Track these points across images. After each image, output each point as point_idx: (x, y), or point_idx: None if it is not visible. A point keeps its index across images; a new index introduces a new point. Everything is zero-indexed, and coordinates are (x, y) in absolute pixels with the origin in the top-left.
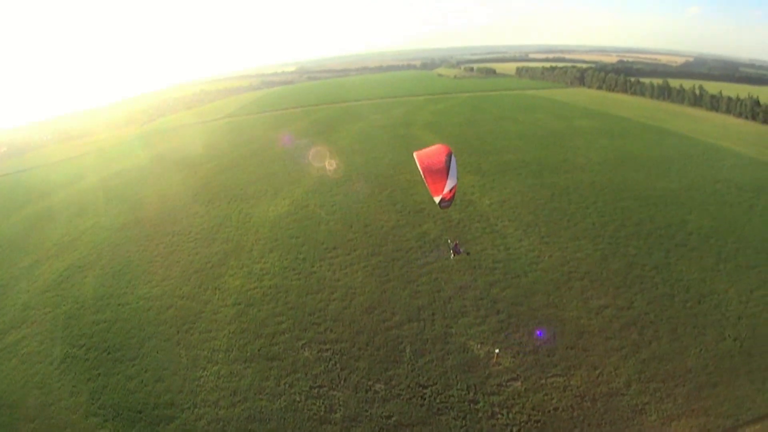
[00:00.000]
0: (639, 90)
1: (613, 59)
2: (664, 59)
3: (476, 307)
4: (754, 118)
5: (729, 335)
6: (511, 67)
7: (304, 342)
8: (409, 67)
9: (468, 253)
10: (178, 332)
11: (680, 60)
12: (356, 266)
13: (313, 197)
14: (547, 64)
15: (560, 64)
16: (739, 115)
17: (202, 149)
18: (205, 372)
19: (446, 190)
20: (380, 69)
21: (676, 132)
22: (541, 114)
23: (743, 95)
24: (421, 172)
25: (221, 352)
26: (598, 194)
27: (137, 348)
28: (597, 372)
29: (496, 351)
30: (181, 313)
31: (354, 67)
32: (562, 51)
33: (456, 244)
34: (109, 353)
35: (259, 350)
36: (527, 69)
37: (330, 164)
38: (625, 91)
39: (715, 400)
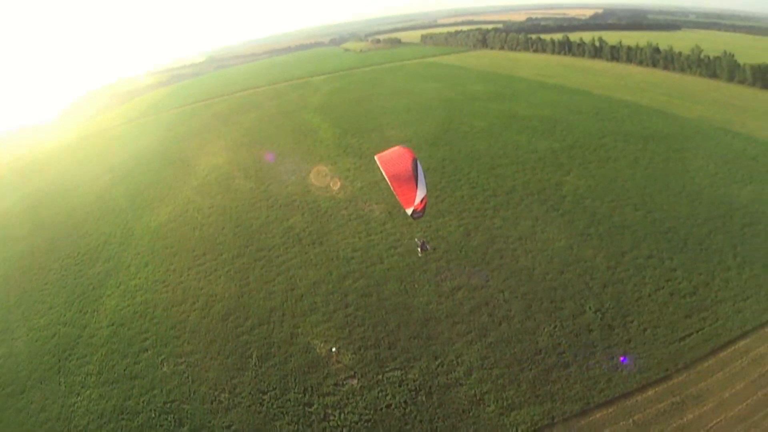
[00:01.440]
0: (541, 47)
1: (522, 17)
2: (573, 13)
3: (326, 302)
4: (654, 65)
5: (590, 307)
6: (417, 35)
7: (163, 357)
8: (317, 45)
9: (434, 249)
10: (59, 360)
11: (589, 12)
12: (220, 271)
13: (193, 201)
14: (453, 29)
15: (465, 28)
16: (640, 63)
17: (97, 164)
18: (79, 397)
19: (417, 201)
20: (288, 50)
21: (570, 88)
22: (437, 83)
23: (644, 44)
24: (388, 181)
25: (93, 375)
26: (473, 164)
27: (25, 380)
28: (437, 362)
29: (333, 349)
30: (62, 340)
31: (262, 50)
32: (471, 14)
33: (423, 242)
34: (2, 388)
35: (124, 370)
36: (432, 36)
37: (216, 161)
38: (527, 49)
39: (564, 383)
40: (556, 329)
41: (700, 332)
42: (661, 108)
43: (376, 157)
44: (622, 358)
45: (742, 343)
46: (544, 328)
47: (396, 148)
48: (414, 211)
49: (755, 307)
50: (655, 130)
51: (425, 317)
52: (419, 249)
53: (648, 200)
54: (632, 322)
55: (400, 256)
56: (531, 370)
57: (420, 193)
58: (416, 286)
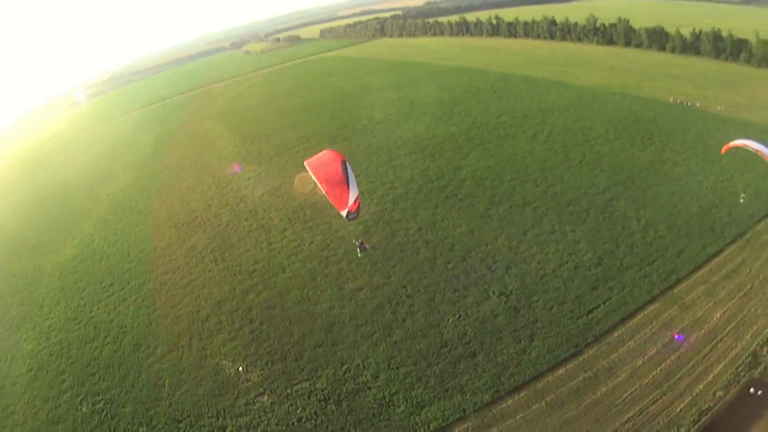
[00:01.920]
0: (439, 30)
1: (420, 2)
2: None
3: (231, 320)
4: (552, 37)
5: (494, 292)
6: (317, 30)
7: (81, 397)
8: (219, 49)
9: (374, 248)
10: None
11: None
12: (128, 301)
13: (99, 229)
14: (352, 20)
15: (364, 18)
16: (537, 37)
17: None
18: None
19: (351, 202)
20: (190, 58)
21: (468, 68)
22: (335, 78)
23: (540, 17)
24: (320, 186)
25: (19, 425)
26: (372, 158)
27: None
28: (344, 368)
29: (240, 368)
30: None
31: (165, 61)
32: (371, 3)
33: (362, 242)
34: None
35: (47, 415)
36: (331, 29)
37: (119, 185)
38: (425, 33)
39: (473, 374)
40: (461, 319)
41: (607, 303)
42: (559, 79)
43: (305, 163)
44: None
45: (651, 308)
46: (448, 320)
47: (324, 152)
48: (348, 213)
49: (662, 270)
50: (553, 102)
51: (329, 323)
52: (358, 249)
53: (548, 174)
54: (538, 301)
55: (302, 262)
56: (438, 364)
57: (352, 194)
58: (319, 291)
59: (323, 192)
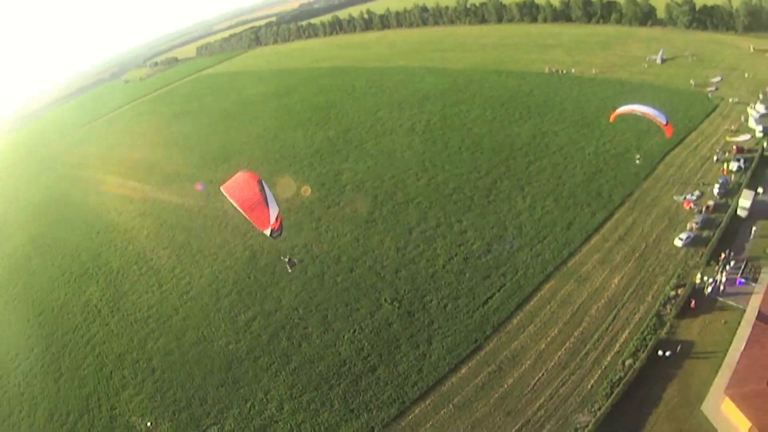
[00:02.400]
0: (312, 32)
1: (295, 4)
2: None
3: (134, 373)
4: (425, 24)
5: (386, 299)
6: (193, 49)
7: None
8: (99, 82)
9: (301, 261)
10: None
11: None
12: (35, 369)
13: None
14: (228, 33)
15: (240, 29)
16: (411, 25)
17: None
18: None
19: (273, 220)
20: (77, 92)
21: (344, 67)
22: (212, 96)
23: (411, 5)
24: (240, 209)
25: None
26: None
27: None
28: (249, 405)
29: (149, 423)
30: None
31: (47, 102)
32: (246, 12)
33: (290, 258)
34: None
35: None
36: (207, 45)
37: (11, 246)
38: (299, 37)
39: (375, 389)
40: (356, 333)
41: (502, 290)
42: (434, 65)
43: (222, 189)
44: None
45: (546, 287)
46: (344, 336)
47: (239, 174)
48: (272, 231)
49: (553, 245)
50: (428, 90)
51: (227, 360)
52: (288, 267)
53: (429, 165)
54: (431, 301)
55: (193, 300)
56: (340, 385)
57: (273, 212)
58: (213, 328)
59: (244, 215)
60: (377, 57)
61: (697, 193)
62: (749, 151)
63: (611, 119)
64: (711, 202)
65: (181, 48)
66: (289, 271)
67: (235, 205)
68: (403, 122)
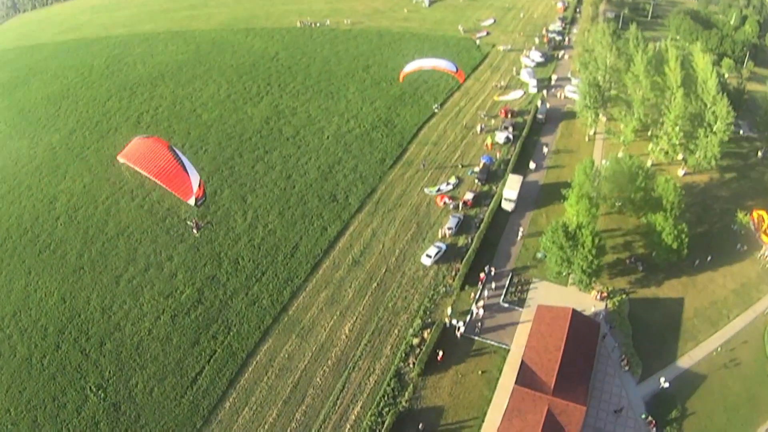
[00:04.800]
0: None
1: None
2: None
3: None
4: None
5: (91, 387)
6: None
7: None
8: None
9: (209, 222)
10: None
11: None
12: None
13: None
14: None
15: None
16: None
17: None
18: None
19: (195, 187)
20: None
21: (90, 39)
22: None
23: None
24: (153, 178)
25: None
26: None
27: None
28: None
29: None
30: None
31: None
32: None
33: (195, 222)
34: None
35: None
36: None
37: None
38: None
39: None
40: None
41: (212, 360)
42: (180, 28)
43: (120, 158)
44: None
45: (264, 348)
46: None
47: (139, 141)
48: (196, 200)
49: (273, 283)
50: (167, 63)
51: None
52: (194, 230)
53: (146, 180)
54: (137, 385)
55: None
56: None
57: (194, 179)
58: None
59: (160, 184)
60: (126, 21)
61: (453, 180)
62: (519, 113)
63: (401, 79)
64: (470, 195)
65: None
66: (196, 234)
67: (147, 175)
68: (130, 114)
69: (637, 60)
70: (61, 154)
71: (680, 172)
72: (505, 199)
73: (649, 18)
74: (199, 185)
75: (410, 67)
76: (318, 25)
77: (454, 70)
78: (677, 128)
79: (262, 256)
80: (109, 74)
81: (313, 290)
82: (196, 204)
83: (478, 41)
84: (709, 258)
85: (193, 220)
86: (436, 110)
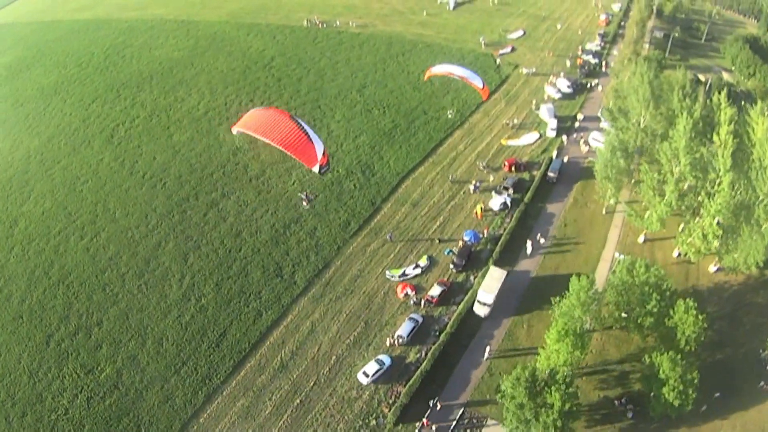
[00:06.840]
0: None
1: None
2: None
3: None
4: None
5: None
6: None
7: None
8: None
9: (315, 196)
10: None
11: None
12: None
13: None
14: None
15: None
16: None
17: None
18: None
19: (320, 155)
20: None
21: (99, 20)
22: None
23: None
24: (279, 147)
25: None
26: None
27: None
28: None
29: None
30: None
31: None
32: None
33: (306, 194)
34: None
35: None
36: None
37: None
38: None
39: None
40: None
41: None
42: (186, 17)
43: (239, 130)
44: None
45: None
46: None
47: (255, 112)
48: (320, 167)
49: (191, 378)
50: (160, 61)
51: None
52: (305, 203)
53: (100, 212)
54: None
55: None
56: None
57: (319, 147)
58: None
59: (285, 152)
60: (136, 3)
61: (423, 263)
62: (528, 166)
63: (425, 78)
64: (437, 290)
65: None
66: (306, 207)
67: (274, 144)
68: (107, 125)
69: (679, 126)
70: (33, 166)
71: (711, 267)
72: (479, 302)
73: (703, 40)
74: (324, 153)
75: (439, 70)
76: (325, 25)
77: (480, 86)
78: (716, 224)
79: (187, 340)
80: (104, 68)
81: (230, 396)
82: (320, 172)
83: (498, 60)
84: (717, 394)
85: (305, 193)
86: (450, 115)
